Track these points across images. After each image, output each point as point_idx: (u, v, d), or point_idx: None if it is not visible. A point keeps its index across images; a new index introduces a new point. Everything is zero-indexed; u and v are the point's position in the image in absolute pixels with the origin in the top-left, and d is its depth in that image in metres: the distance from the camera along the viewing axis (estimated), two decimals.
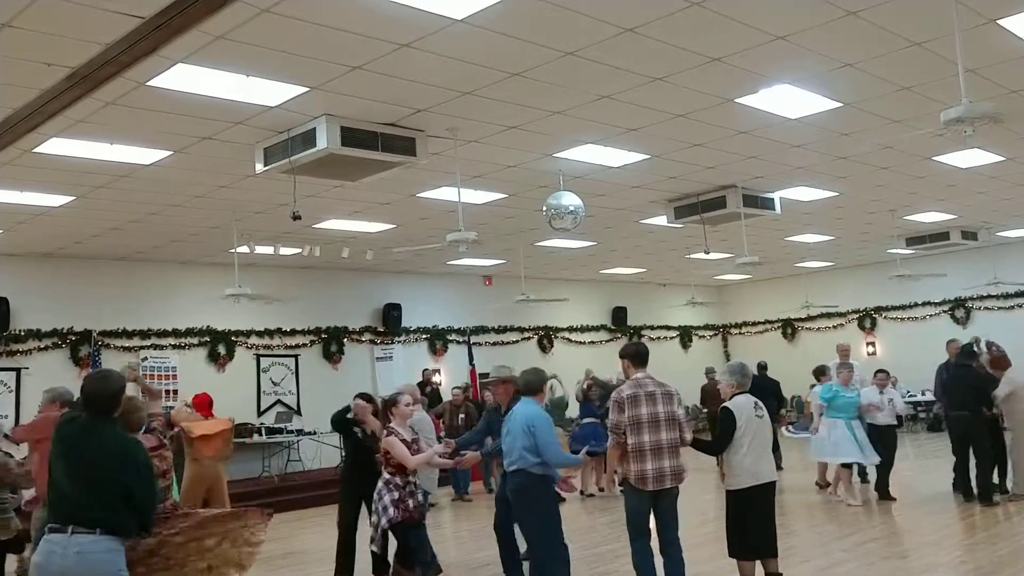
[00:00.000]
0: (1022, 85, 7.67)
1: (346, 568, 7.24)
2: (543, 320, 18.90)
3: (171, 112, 6.93)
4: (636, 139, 8.67)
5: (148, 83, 6.26)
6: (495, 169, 9.46)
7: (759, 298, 22.27)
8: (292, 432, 14.09)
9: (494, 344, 18.17)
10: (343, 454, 7.86)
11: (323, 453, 14.34)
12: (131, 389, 5.11)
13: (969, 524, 8.51)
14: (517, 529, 6.29)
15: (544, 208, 9.05)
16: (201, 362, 14.19)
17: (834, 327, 20.77)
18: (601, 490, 11.79)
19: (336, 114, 7.21)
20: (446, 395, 14.75)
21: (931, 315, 19.57)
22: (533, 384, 6.06)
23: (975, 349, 10.25)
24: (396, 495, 6.10)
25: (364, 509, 7.18)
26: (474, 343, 17.73)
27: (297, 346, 15.37)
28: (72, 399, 6.42)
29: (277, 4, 5.17)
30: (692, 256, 16.29)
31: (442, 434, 12.20)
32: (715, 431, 7.05)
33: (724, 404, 5.93)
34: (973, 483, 9.39)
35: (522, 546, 6.29)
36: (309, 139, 7.32)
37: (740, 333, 23.10)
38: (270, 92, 6.69)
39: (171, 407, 10.04)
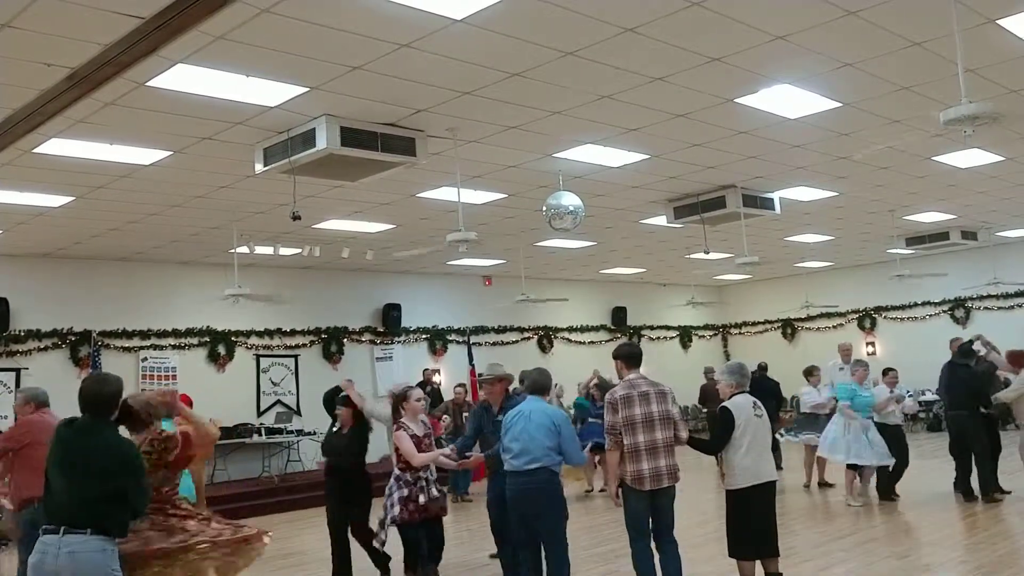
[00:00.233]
0: (1021, 85, 7.67)
1: (343, 566, 7.19)
2: (543, 320, 18.90)
3: (171, 112, 6.93)
4: (636, 139, 8.67)
5: (148, 83, 6.26)
6: (495, 169, 9.46)
7: (759, 298, 22.26)
8: (292, 432, 14.08)
9: (494, 344, 18.16)
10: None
11: None
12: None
13: (969, 524, 8.51)
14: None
15: (544, 208, 9.05)
16: (201, 362, 14.19)
17: (834, 327, 20.77)
18: (602, 491, 11.77)
19: (336, 114, 7.21)
20: (446, 394, 14.75)
21: (931, 315, 19.57)
22: (541, 383, 6.05)
23: (975, 348, 10.23)
24: (406, 492, 6.03)
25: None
26: (474, 343, 17.73)
27: (297, 346, 15.37)
28: (46, 400, 6.42)
29: (277, 4, 5.16)
30: (692, 256, 16.30)
31: (443, 435, 12.21)
32: (713, 431, 7.07)
33: (723, 404, 5.94)
34: (974, 483, 9.40)
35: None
36: (309, 139, 7.31)
37: (740, 333, 23.09)
38: (270, 92, 6.69)
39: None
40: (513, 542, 5.98)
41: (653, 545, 5.75)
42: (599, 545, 8.35)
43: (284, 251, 12.99)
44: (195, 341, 14.15)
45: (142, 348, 13.55)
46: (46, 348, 12.71)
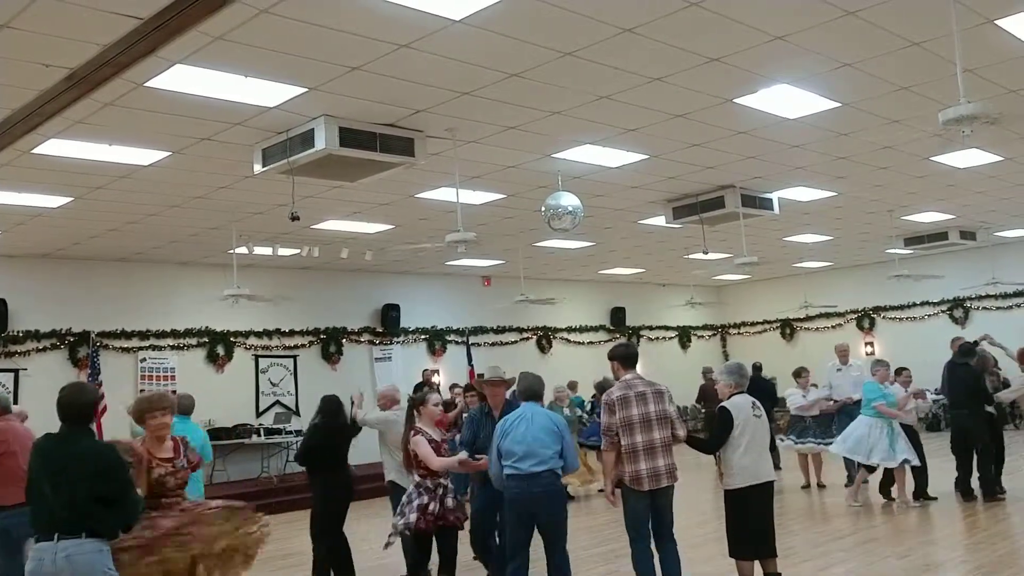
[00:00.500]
0: (1020, 85, 7.67)
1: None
2: (542, 320, 18.90)
3: (169, 113, 6.93)
4: (635, 139, 8.67)
5: (146, 84, 6.26)
6: (494, 169, 9.45)
7: (758, 298, 22.27)
8: (291, 433, 14.06)
9: (493, 345, 18.16)
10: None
11: None
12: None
13: (969, 524, 8.51)
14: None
15: (543, 208, 9.05)
16: (200, 363, 14.17)
17: (833, 327, 20.77)
18: (601, 491, 11.78)
19: (335, 115, 7.21)
20: (445, 395, 14.71)
21: (930, 315, 19.58)
22: (535, 390, 6.00)
23: (979, 349, 10.21)
24: (425, 499, 5.87)
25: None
26: (473, 344, 17.72)
27: (296, 347, 15.36)
28: (7, 405, 6.42)
29: (276, 5, 5.16)
30: (691, 256, 16.29)
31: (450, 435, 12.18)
32: (710, 430, 7.09)
33: (722, 404, 5.93)
34: (974, 483, 9.40)
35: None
36: (308, 140, 7.31)
37: (739, 333, 23.09)
38: (269, 93, 6.68)
39: None
40: (511, 545, 5.80)
41: (653, 546, 5.74)
42: (599, 545, 8.35)
43: (283, 251, 12.98)
44: (194, 342, 14.14)
45: (141, 349, 13.54)
46: (45, 349, 12.70)
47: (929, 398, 10.13)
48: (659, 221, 12.62)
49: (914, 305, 19.75)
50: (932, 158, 10.34)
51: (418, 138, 7.78)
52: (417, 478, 5.97)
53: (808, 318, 20.85)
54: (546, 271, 17.79)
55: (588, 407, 13.27)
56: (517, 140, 8.40)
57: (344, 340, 15.94)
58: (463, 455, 6.12)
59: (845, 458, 11.03)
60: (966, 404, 9.50)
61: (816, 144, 9.32)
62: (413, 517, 5.84)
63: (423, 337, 17.18)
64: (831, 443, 10.98)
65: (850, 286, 20.38)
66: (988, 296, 18.52)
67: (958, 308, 19.17)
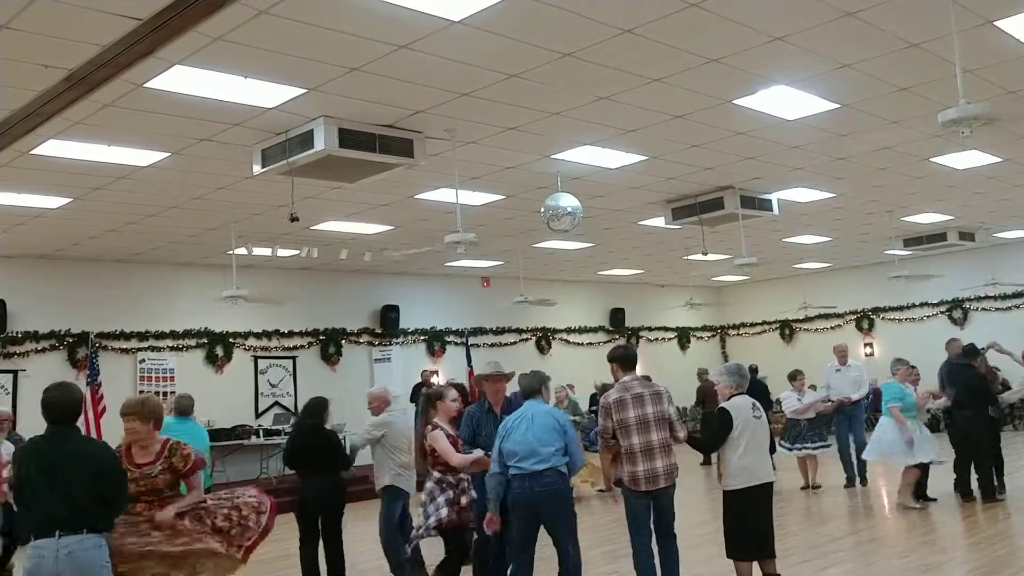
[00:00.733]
0: (1019, 86, 7.68)
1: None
2: (541, 321, 18.90)
3: (169, 114, 6.93)
4: (634, 140, 8.68)
5: (146, 85, 6.26)
6: (493, 170, 9.46)
7: (757, 299, 22.27)
8: (289, 434, 14.03)
9: (492, 345, 18.15)
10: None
11: None
12: None
13: (969, 524, 8.51)
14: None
15: (542, 209, 9.05)
16: (199, 364, 14.17)
17: (832, 328, 20.77)
18: (601, 490, 11.76)
19: (334, 115, 7.21)
20: None
21: (929, 316, 19.58)
22: (532, 387, 5.93)
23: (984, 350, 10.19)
24: (451, 494, 5.77)
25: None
26: (472, 344, 17.71)
27: (295, 348, 15.36)
28: None
29: (275, 5, 5.16)
30: (690, 257, 16.30)
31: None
32: (707, 430, 7.10)
33: (721, 405, 5.94)
34: (973, 483, 9.40)
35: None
36: (307, 141, 7.31)
37: (738, 334, 23.09)
38: (268, 93, 6.68)
39: None
40: (514, 544, 5.72)
41: (655, 543, 5.79)
42: (600, 545, 8.35)
43: (282, 252, 12.97)
44: (193, 343, 14.14)
45: (140, 350, 13.54)
46: (44, 350, 12.69)
47: (943, 398, 9.91)
48: (658, 222, 12.63)
49: (913, 306, 19.76)
50: (931, 159, 10.35)
51: (417, 139, 7.78)
52: (436, 474, 5.82)
53: (807, 319, 20.86)
54: (545, 272, 17.79)
55: (586, 409, 13.27)
56: (516, 141, 8.40)
57: (343, 341, 15.93)
58: (479, 453, 5.95)
59: (843, 459, 11.03)
60: (968, 405, 9.46)
61: (815, 145, 9.32)
62: (444, 513, 5.70)
63: (422, 338, 17.18)
64: (829, 446, 10.97)
65: (849, 287, 20.38)
66: (987, 297, 18.53)
67: (957, 309, 19.17)
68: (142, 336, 13.59)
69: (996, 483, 9.42)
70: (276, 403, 14.92)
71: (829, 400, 11.12)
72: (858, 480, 10.94)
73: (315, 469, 6.88)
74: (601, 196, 10.85)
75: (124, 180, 8.78)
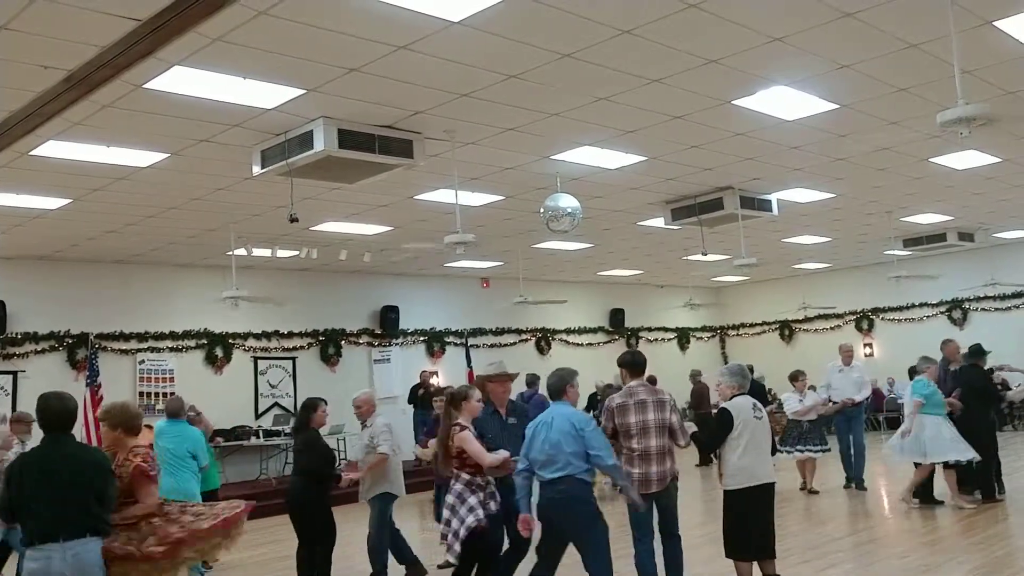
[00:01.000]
0: (1018, 86, 7.68)
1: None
2: (541, 322, 18.90)
3: (168, 115, 6.93)
4: (633, 141, 8.68)
5: (145, 86, 6.26)
6: (492, 171, 9.46)
7: (756, 300, 22.28)
8: (290, 435, 14.04)
9: (492, 346, 18.16)
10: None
11: None
12: None
13: (969, 524, 8.50)
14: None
15: (542, 210, 9.05)
16: (198, 365, 14.17)
17: (831, 328, 20.79)
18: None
19: (333, 116, 7.21)
20: None
21: (928, 316, 19.59)
22: (555, 387, 5.72)
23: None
24: (481, 496, 5.62)
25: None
26: (472, 345, 17.72)
27: (295, 348, 15.36)
28: None
29: (274, 6, 5.16)
30: (690, 258, 16.31)
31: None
32: (704, 431, 7.15)
33: (723, 405, 5.96)
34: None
35: None
36: (306, 141, 7.31)
37: (738, 335, 23.10)
38: (267, 94, 6.68)
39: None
40: (538, 553, 5.62)
41: (659, 541, 5.84)
42: None
43: (282, 253, 12.98)
44: (193, 343, 14.13)
45: (139, 350, 13.54)
46: (43, 351, 12.69)
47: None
48: (658, 223, 12.63)
49: (913, 306, 19.77)
50: (930, 159, 10.35)
51: (417, 140, 7.78)
52: (466, 476, 5.66)
53: (807, 319, 20.87)
54: (545, 272, 17.79)
55: (582, 408, 13.26)
56: (516, 142, 8.40)
57: (343, 342, 15.93)
58: (505, 454, 5.80)
59: (844, 460, 11.00)
60: (972, 404, 9.43)
61: (814, 146, 9.33)
62: (480, 514, 5.54)
63: (422, 339, 17.18)
64: (828, 449, 10.90)
65: (849, 287, 20.39)
66: (987, 297, 18.54)
67: (957, 309, 19.18)
68: (142, 337, 13.59)
69: (995, 483, 9.43)
70: (276, 404, 14.92)
71: (831, 401, 11.07)
72: (855, 483, 10.88)
73: (294, 470, 6.94)
74: (600, 197, 10.86)
75: (123, 181, 8.78)
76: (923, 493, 9.46)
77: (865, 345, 20.22)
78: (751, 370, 13.09)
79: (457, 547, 5.61)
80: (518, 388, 10.88)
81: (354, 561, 7.69)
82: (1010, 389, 12.08)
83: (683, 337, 22.15)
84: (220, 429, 13.35)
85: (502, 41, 5.95)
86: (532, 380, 12.38)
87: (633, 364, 6.07)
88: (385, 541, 7.28)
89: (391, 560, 7.38)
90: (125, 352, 13.40)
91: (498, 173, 9.55)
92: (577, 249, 15.17)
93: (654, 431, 5.79)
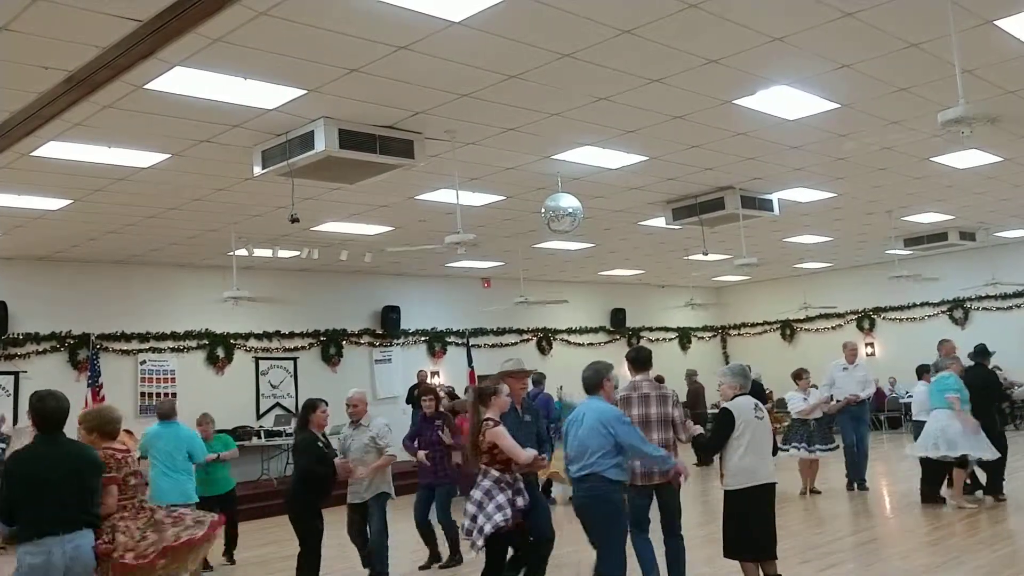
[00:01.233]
0: (1019, 85, 7.67)
1: None
2: (542, 322, 18.90)
3: (169, 115, 6.93)
4: (634, 141, 8.68)
5: (146, 86, 6.26)
6: (493, 171, 9.46)
7: (758, 299, 22.27)
8: (291, 435, 14.04)
9: (493, 346, 18.16)
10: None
11: None
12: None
13: (969, 524, 8.50)
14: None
15: (542, 210, 9.05)
16: (200, 365, 14.18)
17: (833, 328, 20.78)
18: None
19: (334, 117, 7.21)
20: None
21: (929, 316, 19.58)
22: (590, 381, 5.74)
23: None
24: (510, 494, 5.55)
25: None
26: (473, 345, 17.72)
27: (296, 349, 15.36)
28: None
29: (275, 7, 5.16)
30: (691, 257, 16.28)
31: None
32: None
33: (724, 405, 5.95)
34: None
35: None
36: (307, 142, 7.31)
37: (739, 334, 23.09)
38: (268, 95, 6.68)
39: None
40: (593, 546, 5.72)
41: (663, 540, 5.90)
42: None
43: (283, 253, 12.98)
44: (194, 344, 14.14)
45: (141, 351, 13.55)
46: (44, 351, 12.70)
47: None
48: (659, 222, 12.63)
49: (914, 306, 19.76)
50: (931, 159, 10.34)
51: (417, 140, 7.79)
52: (495, 473, 5.59)
53: (808, 319, 20.86)
54: (546, 272, 17.79)
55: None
56: (516, 142, 8.40)
57: (344, 342, 15.94)
58: (534, 452, 5.80)
59: (848, 460, 10.92)
60: (980, 403, 9.36)
61: (815, 145, 9.32)
62: (509, 512, 5.45)
63: (423, 339, 17.18)
64: (836, 447, 10.81)
65: (850, 287, 20.38)
66: (988, 297, 18.53)
67: (958, 309, 19.17)
68: (143, 337, 13.59)
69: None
70: (277, 404, 14.93)
71: (835, 400, 10.99)
72: (856, 483, 10.81)
73: (292, 471, 6.92)
74: (601, 196, 10.85)
75: (124, 182, 8.78)
76: (928, 492, 9.43)
77: (866, 345, 20.21)
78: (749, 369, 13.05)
79: (481, 543, 5.54)
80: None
81: (354, 562, 7.67)
82: (1011, 389, 12.07)
83: (684, 337, 22.14)
84: (221, 430, 13.34)
85: (502, 41, 5.95)
86: (538, 379, 12.37)
87: (637, 359, 6.26)
88: (386, 541, 7.29)
89: (390, 560, 7.38)
90: (126, 353, 13.41)
91: (499, 173, 9.55)
92: (578, 249, 15.17)
93: (656, 424, 5.89)
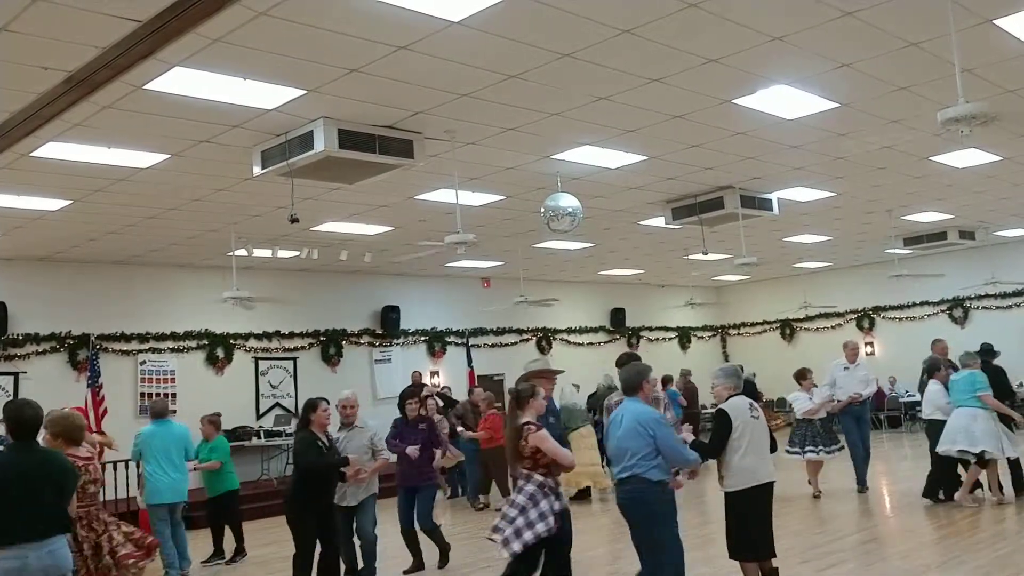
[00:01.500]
0: (1018, 84, 7.68)
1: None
2: (541, 321, 18.90)
3: (168, 115, 6.93)
4: (633, 140, 8.68)
5: (145, 86, 6.26)
6: (493, 171, 9.46)
7: (757, 299, 22.28)
8: (291, 435, 14.03)
9: (492, 346, 18.17)
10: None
11: None
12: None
13: (969, 524, 8.50)
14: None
15: (542, 210, 9.05)
16: (199, 365, 14.18)
17: (832, 327, 20.79)
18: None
19: (333, 117, 7.21)
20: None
21: (929, 315, 19.60)
22: (629, 382, 5.67)
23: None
24: (552, 499, 5.45)
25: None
26: (473, 345, 17.72)
27: (296, 349, 15.36)
28: None
29: (274, 7, 5.16)
30: (690, 257, 16.30)
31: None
32: (696, 430, 7.18)
33: (720, 406, 5.95)
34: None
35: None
36: (307, 142, 7.31)
37: (739, 334, 23.10)
38: (267, 95, 6.68)
39: None
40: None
41: None
42: (600, 545, 8.36)
43: (282, 254, 12.98)
44: (193, 344, 14.14)
45: (140, 351, 13.54)
46: (44, 352, 12.69)
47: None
48: (658, 222, 12.63)
49: (914, 305, 19.78)
50: (931, 158, 10.35)
51: (417, 140, 7.79)
52: (539, 477, 5.47)
53: (808, 318, 20.86)
54: (546, 272, 17.79)
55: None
56: (516, 141, 8.40)
57: (344, 342, 15.94)
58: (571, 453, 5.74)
59: (855, 461, 10.82)
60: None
61: (815, 144, 9.32)
62: (551, 522, 5.35)
63: (423, 339, 17.18)
64: (842, 447, 10.72)
65: (850, 286, 20.40)
66: (987, 296, 18.55)
67: (958, 308, 19.19)
68: (143, 338, 13.59)
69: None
70: (277, 404, 14.93)
71: (836, 399, 10.91)
72: (861, 485, 10.74)
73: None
74: (601, 196, 10.86)
75: (124, 182, 8.78)
76: (930, 491, 9.42)
77: (866, 344, 20.21)
78: (741, 370, 12.98)
79: (516, 547, 5.41)
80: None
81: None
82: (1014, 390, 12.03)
83: (684, 336, 22.15)
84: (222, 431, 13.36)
85: (502, 41, 5.95)
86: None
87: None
88: (375, 539, 7.30)
89: (385, 560, 7.37)
90: (126, 353, 13.40)
91: (498, 173, 9.55)
92: (578, 249, 15.18)
93: None
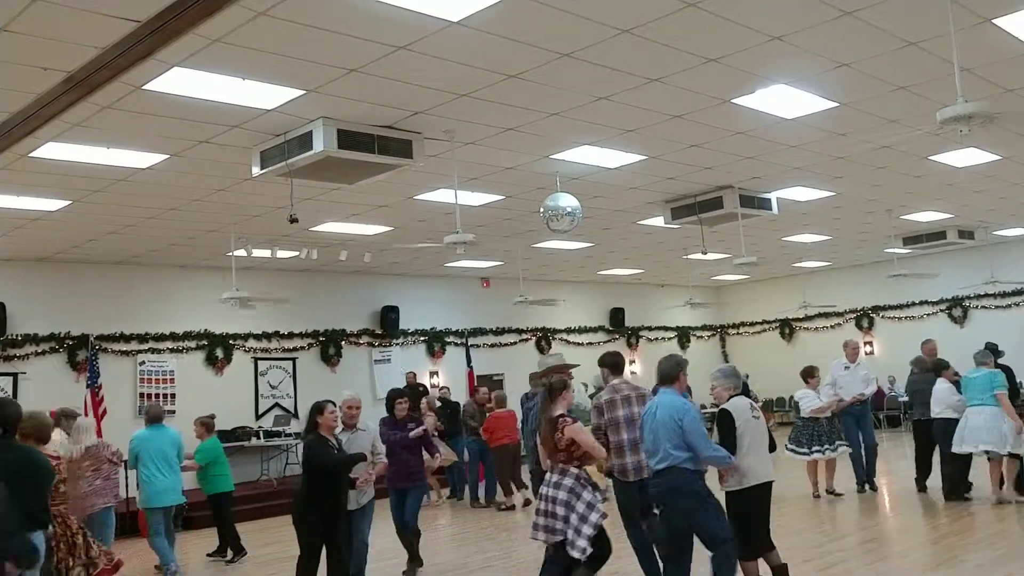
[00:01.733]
0: (1018, 84, 7.68)
1: None
2: (541, 321, 18.90)
3: (167, 116, 6.92)
4: (633, 140, 8.68)
5: (144, 87, 6.25)
6: (492, 171, 9.46)
7: (757, 298, 22.28)
8: (290, 435, 14.06)
9: (492, 346, 18.16)
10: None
11: None
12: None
13: (969, 524, 8.51)
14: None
15: (541, 210, 9.04)
16: (199, 365, 14.17)
17: (832, 327, 20.80)
18: None
19: (333, 117, 7.21)
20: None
21: (928, 314, 19.60)
22: (666, 374, 5.78)
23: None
24: (591, 489, 5.54)
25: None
26: (472, 345, 17.72)
27: (295, 349, 15.35)
28: None
29: (274, 7, 5.16)
30: (690, 257, 16.30)
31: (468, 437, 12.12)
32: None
33: (722, 407, 5.96)
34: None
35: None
36: (306, 142, 7.31)
37: (738, 333, 23.10)
38: (267, 95, 6.68)
39: None
40: (656, 542, 5.92)
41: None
42: None
43: (282, 254, 12.98)
44: (193, 344, 14.13)
45: (140, 352, 13.53)
46: (43, 352, 12.68)
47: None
48: (658, 222, 12.63)
49: (913, 304, 19.78)
50: (930, 157, 10.35)
51: (416, 140, 7.78)
52: (575, 471, 5.57)
53: (807, 318, 20.87)
54: (545, 272, 17.79)
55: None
56: (515, 141, 8.40)
57: (343, 342, 15.93)
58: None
59: (855, 461, 10.80)
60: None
61: (814, 144, 9.32)
62: (601, 508, 5.48)
63: (422, 339, 17.18)
64: (848, 446, 10.64)
65: (849, 286, 20.41)
66: (987, 295, 18.55)
67: (957, 307, 19.19)
68: (142, 338, 13.58)
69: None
70: (276, 404, 14.92)
71: (840, 399, 10.86)
72: (868, 484, 10.66)
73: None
74: (601, 196, 10.86)
75: (123, 182, 8.78)
76: (953, 490, 9.39)
77: (865, 343, 20.21)
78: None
79: (584, 544, 5.44)
80: (522, 388, 10.83)
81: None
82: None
83: (683, 336, 22.14)
84: (221, 430, 13.33)
85: (502, 41, 5.95)
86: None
87: (614, 364, 6.59)
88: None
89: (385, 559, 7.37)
90: (125, 353, 13.39)
91: (498, 173, 9.54)
92: (577, 249, 15.18)
93: (636, 424, 6.06)
